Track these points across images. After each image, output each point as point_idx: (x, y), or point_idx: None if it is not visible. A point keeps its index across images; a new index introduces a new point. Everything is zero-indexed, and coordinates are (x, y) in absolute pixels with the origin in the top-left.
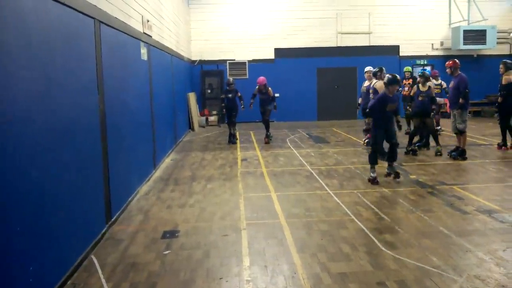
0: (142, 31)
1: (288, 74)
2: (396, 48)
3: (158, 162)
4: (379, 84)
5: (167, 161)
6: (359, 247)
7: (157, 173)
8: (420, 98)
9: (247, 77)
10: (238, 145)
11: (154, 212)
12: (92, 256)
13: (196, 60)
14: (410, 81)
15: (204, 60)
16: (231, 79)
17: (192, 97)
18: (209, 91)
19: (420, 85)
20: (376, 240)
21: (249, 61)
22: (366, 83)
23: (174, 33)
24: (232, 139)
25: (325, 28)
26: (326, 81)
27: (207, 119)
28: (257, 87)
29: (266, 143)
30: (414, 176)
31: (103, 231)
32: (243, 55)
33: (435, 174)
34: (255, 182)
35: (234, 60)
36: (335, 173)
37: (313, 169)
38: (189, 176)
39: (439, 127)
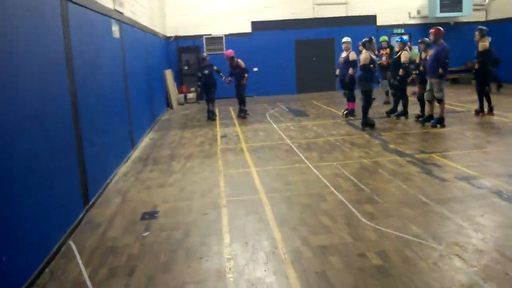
0: (112, 8)
1: (266, 47)
2: (373, 18)
3: (136, 142)
4: (363, 56)
5: (146, 141)
6: (339, 219)
7: (136, 153)
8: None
9: (225, 51)
10: (218, 121)
11: (132, 193)
12: (70, 242)
13: (171, 36)
14: (388, 50)
15: (180, 36)
16: (204, 54)
17: (169, 74)
18: (186, 67)
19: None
20: (356, 211)
21: (225, 35)
22: (344, 54)
23: (147, 9)
24: (211, 116)
25: None
26: (304, 54)
27: (185, 96)
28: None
29: (243, 118)
30: (393, 146)
31: (81, 215)
32: (220, 29)
33: (414, 143)
34: (235, 159)
35: (210, 35)
36: (314, 146)
37: (292, 143)
38: (168, 155)
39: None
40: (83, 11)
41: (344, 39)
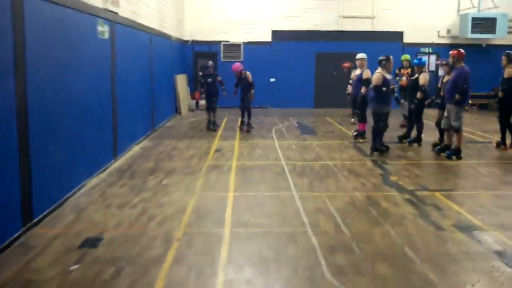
0: (101, 7)
1: (285, 58)
2: (399, 35)
3: (121, 151)
4: (376, 76)
5: (135, 149)
6: (301, 270)
7: (117, 164)
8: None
9: (242, 59)
10: (220, 133)
11: (89, 212)
12: None
13: (189, 41)
14: (409, 70)
15: (198, 41)
16: (210, 62)
17: (180, 79)
18: (200, 73)
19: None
20: (323, 263)
21: (244, 43)
22: (357, 71)
23: (156, 11)
24: (211, 126)
25: (326, 11)
26: (324, 67)
27: (197, 102)
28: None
29: (247, 131)
30: (395, 178)
31: (16, 235)
32: (238, 36)
33: (419, 177)
34: (217, 178)
35: (228, 41)
36: (309, 171)
37: (287, 165)
38: (149, 169)
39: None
40: (50, 7)
41: (359, 56)
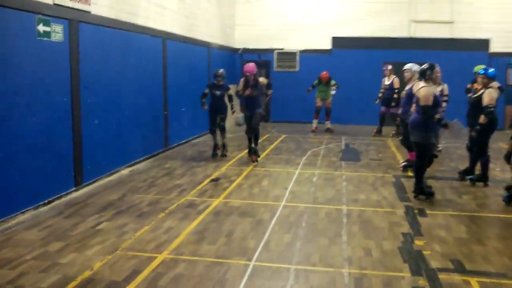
0: (51, 3)
1: (348, 68)
2: (485, 43)
3: (90, 178)
4: (424, 92)
5: (123, 172)
6: None
7: (78, 194)
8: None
9: (297, 69)
10: (241, 154)
11: None
12: None
13: (239, 49)
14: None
15: (249, 49)
16: (220, 70)
17: None
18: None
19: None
20: None
21: (300, 51)
22: (407, 86)
23: (182, 15)
24: (218, 152)
25: (395, 14)
26: None
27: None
28: (242, 80)
29: (254, 161)
30: (422, 243)
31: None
32: (294, 44)
33: (461, 243)
34: (168, 227)
35: (282, 49)
36: (305, 221)
37: (284, 208)
38: (106, 203)
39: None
40: None
41: (407, 66)
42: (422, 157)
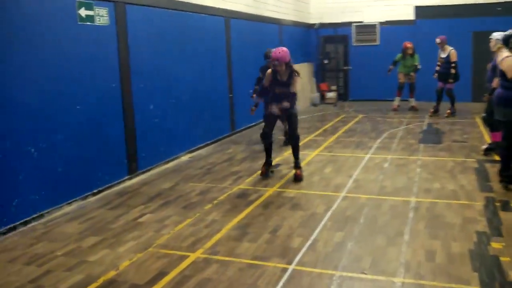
0: None
1: (432, 40)
2: None
3: (146, 165)
4: (509, 61)
5: (182, 159)
6: None
7: (132, 182)
8: None
9: (378, 43)
10: (308, 138)
11: None
12: None
13: (314, 24)
14: None
15: (325, 24)
16: (272, 50)
17: (297, 69)
18: (326, 61)
19: None
20: None
21: (381, 23)
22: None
23: None
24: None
25: None
26: (485, 50)
27: (322, 95)
28: (269, 71)
29: (298, 179)
30: (499, 245)
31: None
32: (373, 16)
33: None
34: (211, 221)
35: (361, 22)
36: (364, 215)
37: (343, 199)
38: (155, 193)
39: None
40: None
41: (494, 35)
42: (510, 138)
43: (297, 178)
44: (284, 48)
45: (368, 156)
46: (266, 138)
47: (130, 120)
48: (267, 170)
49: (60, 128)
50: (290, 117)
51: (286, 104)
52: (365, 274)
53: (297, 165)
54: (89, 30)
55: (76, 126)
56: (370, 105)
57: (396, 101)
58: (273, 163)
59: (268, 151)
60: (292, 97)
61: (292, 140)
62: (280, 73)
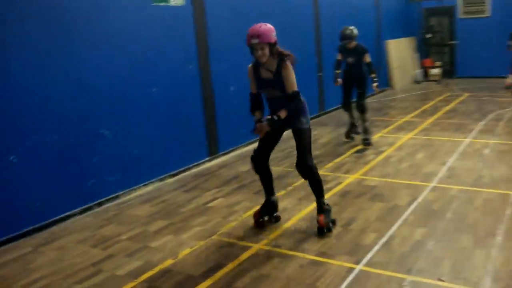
0: None
1: None
2: None
3: (227, 147)
4: None
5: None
6: None
7: (211, 164)
8: None
9: (488, 14)
10: (404, 119)
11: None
12: None
13: None
14: None
15: None
16: (349, 28)
17: (398, 45)
18: (429, 35)
19: None
20: None
21: None
22: None
23: None
24: (353, 130)
25: None
26: None
27: (426, 72)
28: (250, 66)
29: (320, 229)
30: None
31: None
32: None
33: None
34: (281, 209)
35: None
36: (450, 212)
37: (432, 191)
38: (231, 176)
39: None
40: None
41: None
42: None
43: (320, 229)
44: (268, 24)
45: (467, 140)
46: (257, 166)
47: (209, 101)
48: (261, 216)
49: (135, 111)
50: (296, 136)
51: (281, 114)
52: (442, 281)
53: (319, 209)
54: (163, 11)
55: (152, 109)
56: (479, 82)
57: (509, 78)
58: (359, 147)
59: (266, 186)
60: (291, 101)
61: (303, 173)
62: (264, 65)
